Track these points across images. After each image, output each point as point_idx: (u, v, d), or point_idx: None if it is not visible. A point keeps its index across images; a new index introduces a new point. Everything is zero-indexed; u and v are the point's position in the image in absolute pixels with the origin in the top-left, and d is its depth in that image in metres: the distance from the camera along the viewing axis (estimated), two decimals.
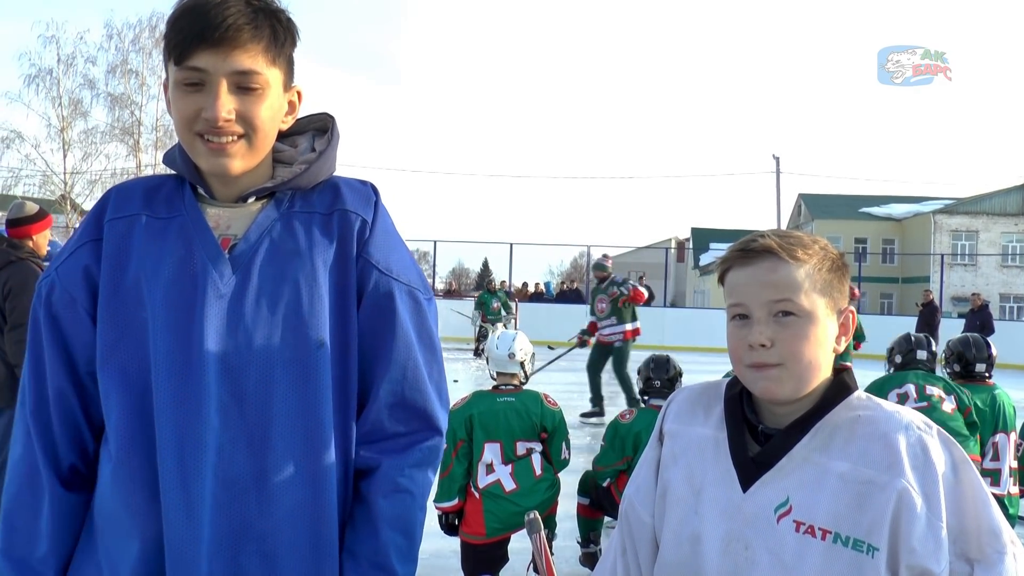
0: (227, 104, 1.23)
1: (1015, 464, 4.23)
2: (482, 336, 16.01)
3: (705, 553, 1.24)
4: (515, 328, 16.74)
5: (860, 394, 1.26)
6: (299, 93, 1.38)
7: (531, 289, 24.19)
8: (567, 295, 22.68)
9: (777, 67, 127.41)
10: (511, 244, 22.95)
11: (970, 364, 4.46)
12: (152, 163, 23.99)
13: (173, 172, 1.37)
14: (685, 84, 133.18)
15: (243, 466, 1.23)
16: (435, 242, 23.67)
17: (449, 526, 3.81)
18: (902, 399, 4.02)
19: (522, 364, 3.96)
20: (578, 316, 19.78)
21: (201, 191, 1.34)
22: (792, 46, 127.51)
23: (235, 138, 1.26)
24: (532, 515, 1.82)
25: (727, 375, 1.51)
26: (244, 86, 1.25)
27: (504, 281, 22.04)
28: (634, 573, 1.35)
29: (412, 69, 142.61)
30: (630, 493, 1.40)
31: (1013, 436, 4.27)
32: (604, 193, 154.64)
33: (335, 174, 1.40)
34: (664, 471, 1.35)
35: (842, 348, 1.28)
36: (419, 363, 1.35)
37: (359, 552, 1.28)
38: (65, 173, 23.74)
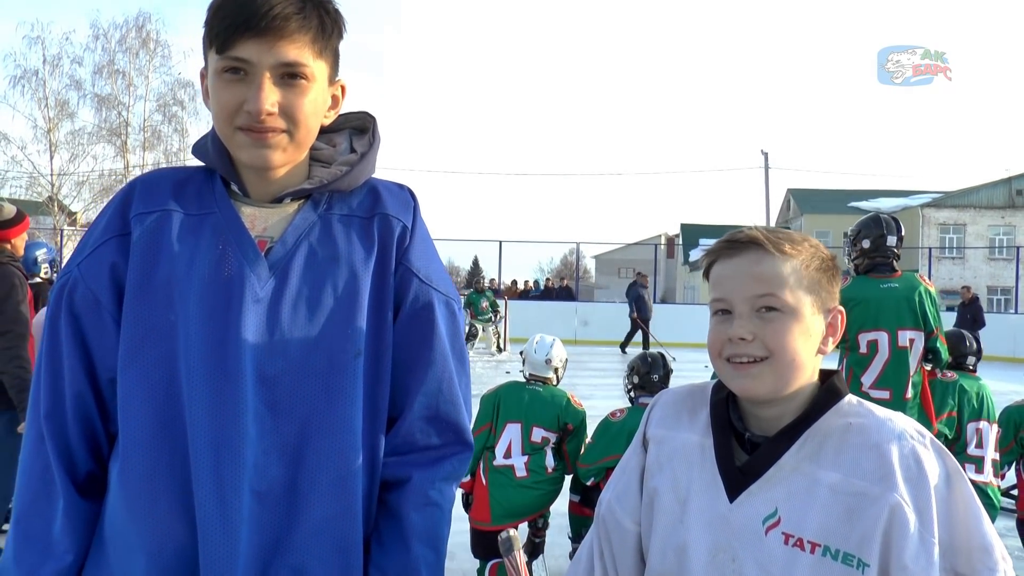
0: (271, 97, 1.18)
1: (996, 456, 4.42)
2: (471, 335, 15.94)
3: (691, 564, 1.21)
4: (504, 326, 16.74)
5: (851, 399, 1.22)
6: (343, 87, 1.32)
7: (520, 287, 24.14)
8: (558, 292, 22.64)
9: (765, 63, 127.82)
10: (500, 242, 22.89)
11: (962, 357, 4.79)
12: (140, 164, 23.85)
13: (201, 164, 1.30)
14: (674, 80, 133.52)
15: (275, 478, 1.18)
16: None
17: (465, 504, 4.06)
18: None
19: (556, 370, 4.24)
20: (568, 313, 19.77)
21: (235, 188, 1.28)
22: (780, 42, 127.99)
23: (278, 132, 1.21)
24: (505, 534, 1.77)
25: (715, 375, 1.47)
26: (289, 78, 1.20)
27: (493, 279, 21.92)
28: None
29: (399, 66, 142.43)
30: (609, 497, 1.35)
31: (994, 427, 4.48)
32: (593, 190, 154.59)
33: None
34: (649, 479, 1.31)
35: (829, 349, 1.24)
36: (453, 375, 1.31)
37: (388, 567, 1.24)
38: (52, 175, 23.57)
